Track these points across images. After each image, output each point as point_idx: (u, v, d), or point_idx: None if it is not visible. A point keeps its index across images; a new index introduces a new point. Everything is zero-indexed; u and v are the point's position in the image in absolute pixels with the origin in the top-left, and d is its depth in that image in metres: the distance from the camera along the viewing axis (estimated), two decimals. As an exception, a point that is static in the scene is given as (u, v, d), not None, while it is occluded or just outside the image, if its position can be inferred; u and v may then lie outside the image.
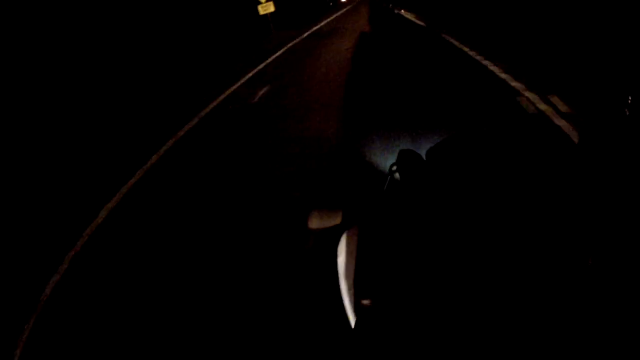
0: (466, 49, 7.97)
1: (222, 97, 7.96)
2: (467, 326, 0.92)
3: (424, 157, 1.62)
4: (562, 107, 4.38)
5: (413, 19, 14.36)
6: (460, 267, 1.03)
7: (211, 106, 7.44)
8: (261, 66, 10.42)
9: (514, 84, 5.43)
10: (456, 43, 8.77)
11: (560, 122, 4.10)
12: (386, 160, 3.55)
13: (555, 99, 4.61)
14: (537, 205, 1.17)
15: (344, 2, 36.15)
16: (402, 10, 17.61)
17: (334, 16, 23.47)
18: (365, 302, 1.16)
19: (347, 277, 1.37)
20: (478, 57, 7.20)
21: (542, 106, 4.55)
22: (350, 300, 1.30)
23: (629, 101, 1.75)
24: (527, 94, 5.00)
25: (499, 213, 1.15)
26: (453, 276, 1.02)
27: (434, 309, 0.98)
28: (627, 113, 1.80)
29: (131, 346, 2.39)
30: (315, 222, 1.54)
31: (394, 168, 1.67)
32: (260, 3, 15.39)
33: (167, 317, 2.54)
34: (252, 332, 2.26)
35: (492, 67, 6.38)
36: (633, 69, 4.30)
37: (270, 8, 15.49)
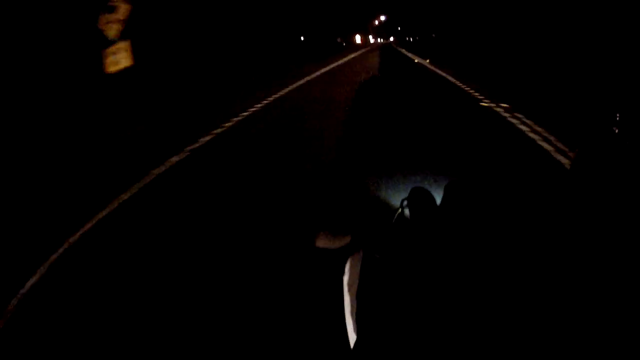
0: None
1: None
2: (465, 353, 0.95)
3: (436, 196, 1.65)
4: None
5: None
6: (463, 310, 1.05)
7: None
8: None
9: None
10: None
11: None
12: (399, 194, 3.59)
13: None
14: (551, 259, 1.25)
15: (359, 44, 37.88)
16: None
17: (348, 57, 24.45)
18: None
19: (350, 297, 1.41)
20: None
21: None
22: (352, 319, 1.33)
23: (617, 118, 1.72)
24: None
25: (506, 262, 1.17)
26: (454, 319, 1.04)
27: (432, 346, 1.01)
28: (616, 131, 1.77)
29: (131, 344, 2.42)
30: (322, 242, 1.58)
31: (405, 203, 1.71)
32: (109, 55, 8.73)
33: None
34: (253, 336, 2.30)
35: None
36: (618, 86, 4.32)
37: (123, 63, 8.92)
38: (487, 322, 1.01)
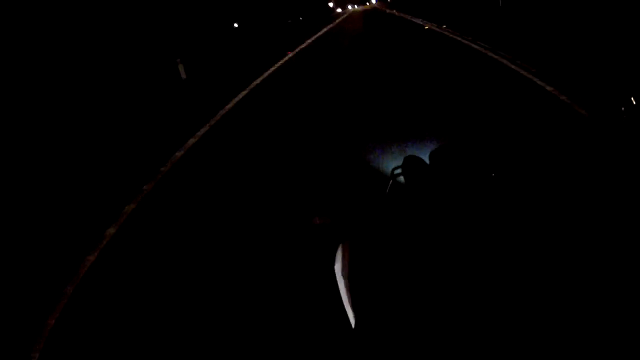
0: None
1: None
2: (463, 327, 0.94)
3: (425, 159, 1.68)
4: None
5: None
6: (461, 268, 1.05)
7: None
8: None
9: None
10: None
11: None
12: (386, 164, 3.57)
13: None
14: (543, 211, 1.28)
15: (339, 12, 36.88)
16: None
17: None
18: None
19: (344, 281, 1.45)
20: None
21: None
22: (348, 300, 1.36)
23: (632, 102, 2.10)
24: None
25: (500, 218, 1.21)
26: (455, 276, 1.03)
27: (433, 307, 1.01)
28: (625, 112, 2.11)
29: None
30: (317, 221, 1.93)
31: (397, 172, 1.75)
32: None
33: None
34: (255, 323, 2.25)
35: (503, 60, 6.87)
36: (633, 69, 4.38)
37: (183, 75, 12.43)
38: (486, 292, 0.98)
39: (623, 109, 2.20)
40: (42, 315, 2.75)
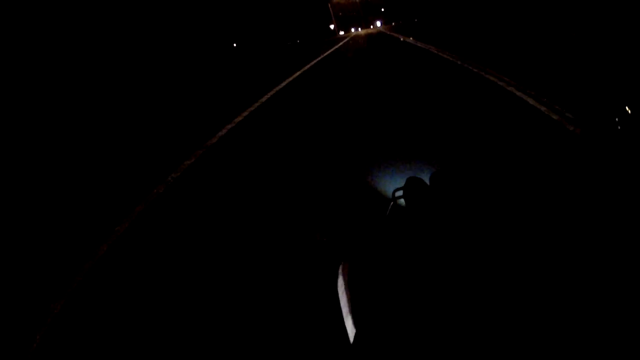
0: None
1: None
2: (461, 350, 0.96)
3: (427, 181, 1.70)
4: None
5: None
6: (461, 291, 1.08)
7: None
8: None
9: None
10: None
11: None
12: (387, 185, 3.61)
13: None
14: (543, 235, 1.27)
15: (342, 35, 37.58)
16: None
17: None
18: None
19: (346, 297, 1.48)
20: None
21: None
22: (350, 317, 1.40)
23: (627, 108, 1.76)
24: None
25: (499, 242, 1.22)
26: (455, 299, 1.07)
27: (432, 329, 1.02)
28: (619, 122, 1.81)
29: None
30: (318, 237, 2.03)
31: (397, 194, 1.75)
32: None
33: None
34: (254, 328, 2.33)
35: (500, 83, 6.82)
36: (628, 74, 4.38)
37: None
38: (488, 314, 1.02)
39: (617, 119, 1.86)
40: (47, 303, 2.90)
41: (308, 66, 15.79)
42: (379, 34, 31.47)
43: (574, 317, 0.98)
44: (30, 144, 7.79)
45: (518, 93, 6.01)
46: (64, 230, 4.10)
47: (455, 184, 1.55)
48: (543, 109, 5.05)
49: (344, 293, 1.48)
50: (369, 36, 30.54)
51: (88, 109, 11.32)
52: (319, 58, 18.51)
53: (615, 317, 0.97)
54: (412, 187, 1.67)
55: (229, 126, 7.76)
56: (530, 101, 5.48)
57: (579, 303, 1.01)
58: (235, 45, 21.47)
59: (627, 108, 1.75)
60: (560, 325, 0.97)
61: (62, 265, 3.47)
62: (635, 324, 0.92)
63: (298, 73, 13.91)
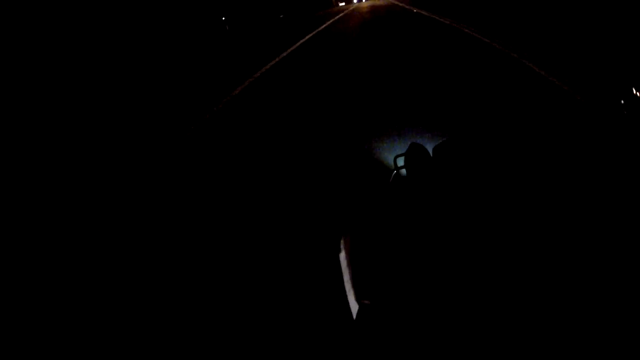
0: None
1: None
2: (465, 321, 0.96)
3: (430, 152, 1.65)
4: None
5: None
6: (463, 263, 1.09)
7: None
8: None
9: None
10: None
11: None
12: (388, 154, 3.54)
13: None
14: (543, 206, 1.24)
15: (341, 6, 36.31)
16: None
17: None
18: (365, 301, 1.27)
19: (348, 271, 1.48)
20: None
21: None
22: (351, 291, 1.39)
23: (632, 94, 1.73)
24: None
25: (500, 213, 1.22)
26: (457, 271, 1.07)
27: (435, 301, 1.03)
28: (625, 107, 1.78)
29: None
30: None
31: (399, 161, 1.72)
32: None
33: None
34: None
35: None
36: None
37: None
38: (487, 287, 1.02)
39: (623, 101, 1.84)
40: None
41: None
42: (389, 9, 21.16)
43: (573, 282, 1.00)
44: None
45: (529, 64, 5.68)
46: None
47: (459, 158, 1.54)
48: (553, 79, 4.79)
49: (347, 268, 1.49)
50: (373, 11, 21.58)
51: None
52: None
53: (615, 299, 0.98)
54: (414, 154, 1.65)
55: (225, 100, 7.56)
56: (543, 73, 5.20)
57: (579, 270, 1.03)
58: (223, 19, 20.47)
59: (633, 90, 1.73)
60: (558, 292, 0.98)
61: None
62: (635, 317, 0.92)
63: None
